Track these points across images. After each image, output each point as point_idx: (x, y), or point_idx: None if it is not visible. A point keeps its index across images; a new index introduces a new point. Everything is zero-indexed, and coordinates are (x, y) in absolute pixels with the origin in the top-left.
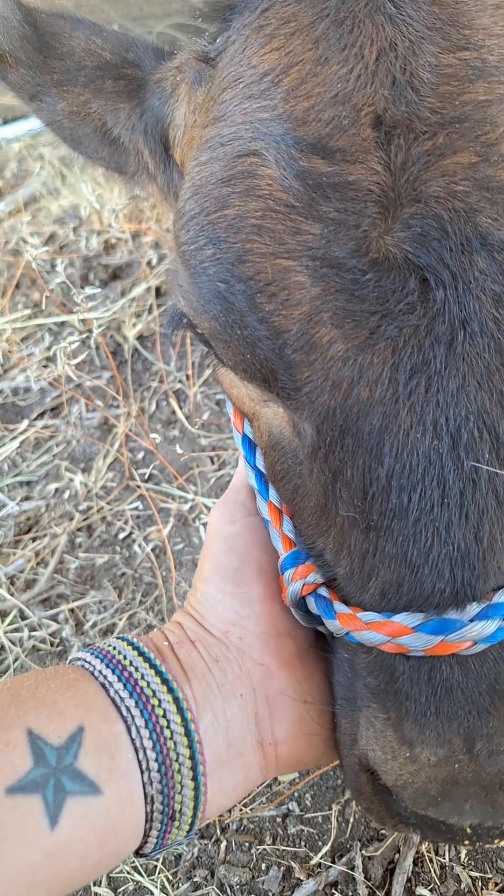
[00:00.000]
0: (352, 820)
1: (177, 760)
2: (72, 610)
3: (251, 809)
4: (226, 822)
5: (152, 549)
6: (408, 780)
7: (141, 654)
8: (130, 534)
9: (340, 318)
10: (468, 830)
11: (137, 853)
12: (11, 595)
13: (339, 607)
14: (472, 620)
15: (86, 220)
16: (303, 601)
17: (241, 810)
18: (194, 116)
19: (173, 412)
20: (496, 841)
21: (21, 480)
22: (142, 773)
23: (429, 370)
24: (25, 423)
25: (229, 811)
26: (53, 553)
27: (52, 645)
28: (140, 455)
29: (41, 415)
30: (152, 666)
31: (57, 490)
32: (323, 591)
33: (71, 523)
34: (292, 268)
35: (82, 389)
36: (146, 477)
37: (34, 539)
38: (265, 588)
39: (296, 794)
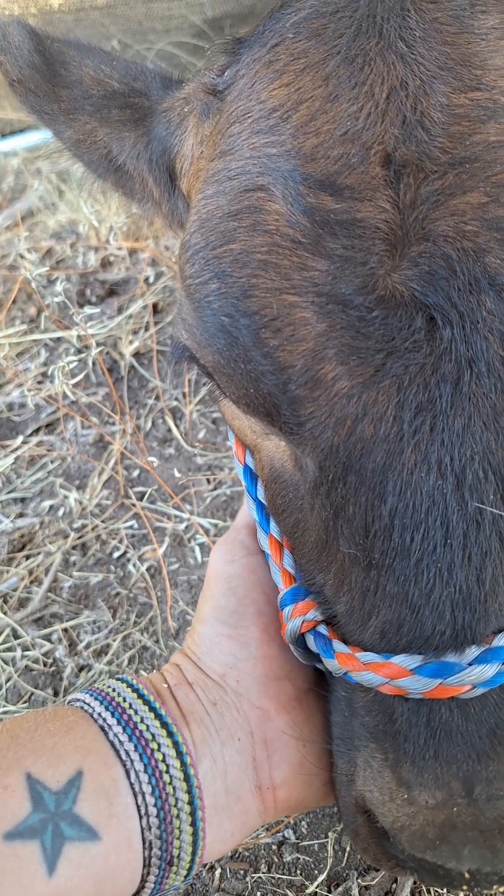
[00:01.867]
0: (348, 848)
1: (175, 805)
2: (65, 630)
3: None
4: None
5: (147, 569)
6: (405, 823)
7: (140, 696)
8: (125, 553)
9: (346, 354)
10: (466, 875)
11: None
12: (4, 614)
13: (339, 646)
14: (471, 664)
15: (83, 237)
16: (301, 638)
17: None
18: (202, 148)
19: (169, 430)
20: (495, 887)
21: (15, 497)
22: (140, 818)
23: (434, 409)
24: (20, 438)
25: None
26: (47, 571)
27: (45, 665)
28: (135, 473)
29: (36, 431)
30: (152, 709)
31: (51, 507)
32: (322, 629)
33: (65, 541)
34: (298, 303)
35: (78, 406)
36: (141, 496)
37: (28, 557)
38: (263, 630)
39: (291, 822)
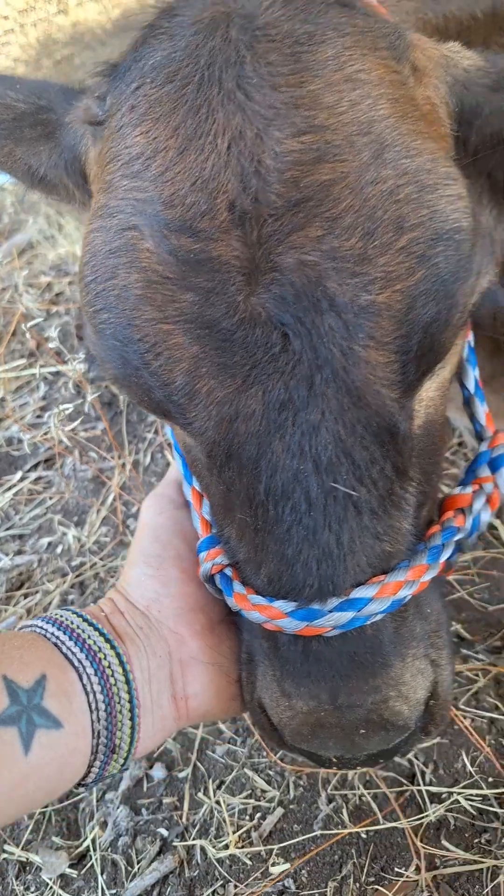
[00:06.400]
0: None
1: (118, 703)
2: None
3: (246, 885)
4: None
5: None
6: (287, 722)
7: (84, 619)
8: None
9: (217, 370)
10: (334, 759)
11: (79, 784)
12: None
13: (237, 587)
14: (331, 611)
15: None
16: (213, 578)
17: (235, 886)
18: (96, 167)
19: (168, 465)
20: (357, 767)
21: (13, 534)
22: (91, 712)
23: (294, 407)
24: (19, 474)
25: (223, 887)
26: (46, 611)
27: None
28: (134, 509)
29: (35, 466)
30: (95, 629)
31: (49, 544)
32: (228, 571)
33: (64, 580)
34: (172, 331)
35: (77, 441)
36: None
37: (26, 595)
38: (182, 572)
39: (291, 871)
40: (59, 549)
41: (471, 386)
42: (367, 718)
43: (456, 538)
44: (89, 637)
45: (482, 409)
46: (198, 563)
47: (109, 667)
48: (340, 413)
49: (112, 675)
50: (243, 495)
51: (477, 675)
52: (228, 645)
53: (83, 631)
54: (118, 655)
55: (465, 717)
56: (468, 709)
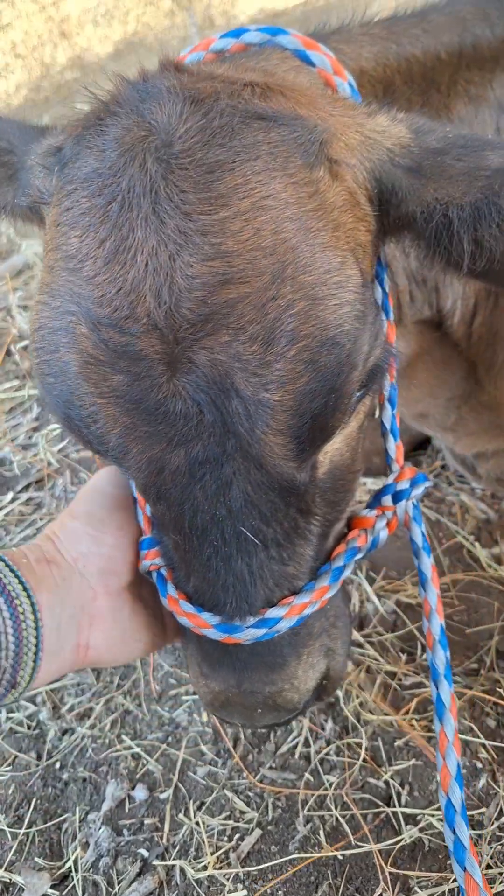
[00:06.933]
0: None
1: (26, 646)
2: (49, 692)
3: None
4: None
5: None
6: (203, 695)
7: (7, 566)
8: None
9: (145, 436)
10: (238, 724)
11: None
12: None
13: (171, 590)
14: (248, 627)
15: None
16: (150, 573)
17: None
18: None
19: None
20: (256, 731)
21: None
22: (1, 650)
23: (211, 464)
24: (10, 495)
25: None
26: None
27: (28, 728)
28: None
29: (26, 487)
30: (16, 576)
31: None
32: (163, 571)
33: None
34: (106, 404)
35: (68, 462)
36: None
37: None
38: (116, 540)
39: (269, 892)
40: None
41: (387, 423)
42: (263, 703)
43: (357, 557)
44: (10, 583)
45: (393, 445)
46: (136, 547)
47: (23, 613)
48: (247, 474)
49: (24, 621)
50: (172, 525)
51: None
52: (130, 608)
53: (4, 576)
54: (32, 605)
55: None
56: None
